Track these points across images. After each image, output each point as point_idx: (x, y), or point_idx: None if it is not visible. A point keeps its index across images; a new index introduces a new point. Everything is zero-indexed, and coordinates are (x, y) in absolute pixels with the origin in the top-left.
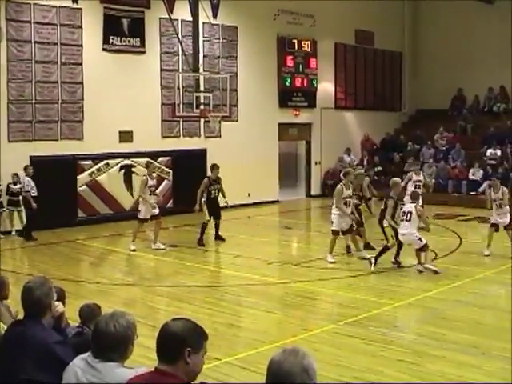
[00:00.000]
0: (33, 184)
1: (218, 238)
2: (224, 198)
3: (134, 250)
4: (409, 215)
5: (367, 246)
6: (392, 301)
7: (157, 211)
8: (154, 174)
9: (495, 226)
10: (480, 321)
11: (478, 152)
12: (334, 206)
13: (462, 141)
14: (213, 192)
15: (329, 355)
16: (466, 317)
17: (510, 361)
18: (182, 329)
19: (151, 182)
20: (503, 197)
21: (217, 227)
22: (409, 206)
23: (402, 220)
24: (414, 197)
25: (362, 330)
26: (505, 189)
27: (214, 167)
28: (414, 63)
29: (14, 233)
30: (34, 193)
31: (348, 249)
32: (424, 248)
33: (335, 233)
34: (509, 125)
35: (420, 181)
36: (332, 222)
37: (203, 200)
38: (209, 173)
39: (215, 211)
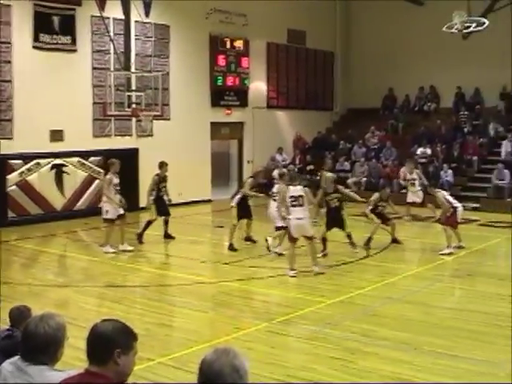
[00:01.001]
0: None
1: (168, 236)
2: (167, 196)
3: (114, 252)
4: (301, 199)
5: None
6: (324, 298)
7: (122, 210)
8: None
9: None
10: (411, 317)
11: (408, 151)
12: (275, 206)
13: (393, 140)
14: (162, 189)
15: (262, 354)
16: (397, 313)
17: (440, 356)
18: (111, 330)
19: (116, 181)
20: (440, 202)
21: (166, 224)
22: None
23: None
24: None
25: (294, 328)
26: (438, 194)
27: (163, 165)
28: (346, 63)
29: None
30: None
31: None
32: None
33: (281, 228)
34: (439, 124)
35: (414, 179)
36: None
37: (152, 198)
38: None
39: (165, 208)
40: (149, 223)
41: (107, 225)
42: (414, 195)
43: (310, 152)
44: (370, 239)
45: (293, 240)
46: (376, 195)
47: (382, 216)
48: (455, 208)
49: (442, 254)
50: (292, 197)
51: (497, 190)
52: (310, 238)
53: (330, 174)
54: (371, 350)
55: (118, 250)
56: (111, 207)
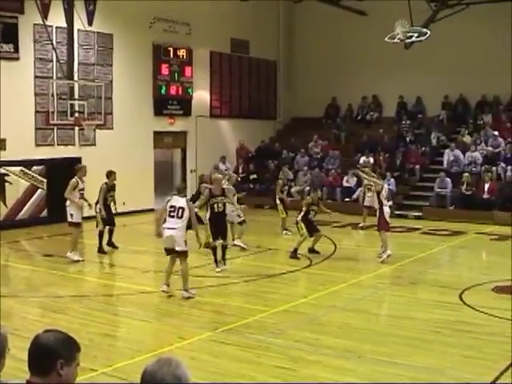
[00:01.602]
0: None
1: (111, 245)
2: (114, 204)
3: (78, 261)
4: (180, 211)
5: None
6: (268, 307)
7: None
8: (84, 178)
9: None
10: (354, 325)
11: (351, 159)
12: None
13: (336, 149)
14: (109, 199)
15: (205, 363)
16: (340, 322)
17: (381, 363)
18: (54, 341)
19: (82, 186)
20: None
21: (111, 234)
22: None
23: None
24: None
25: (238, 337)
26: (380, 182)
27: (112, 174)
28: (289, 72)
29: None
30: None
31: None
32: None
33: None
34: (381, 133)
35: (371, 185)
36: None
37: (99, 207)
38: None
39: (111, 218)
40: (101, 234)
41: (73, 229)
42: (371, 200)
43: (253, 161)
44: (295, 250)
45: (167, 252)
46: (308, 199)
47: (311, 225)
48: (382, 206)
49: (382, 262)
50: (172, 206)
51: (439, 198)
52: (179, 253)
53: (218, 175)
54: (314, 359)
55: (67, 255)
56: (76, 210)
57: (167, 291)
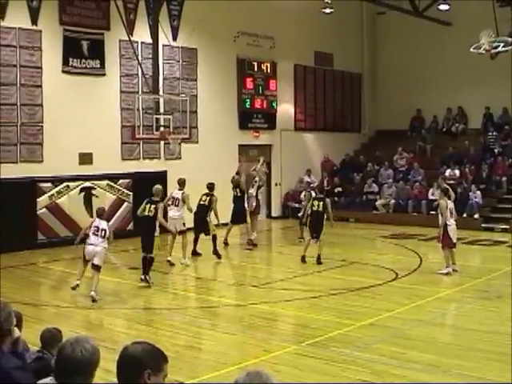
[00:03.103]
0: None
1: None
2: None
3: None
4: (103, 232)
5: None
6: (353, 321)
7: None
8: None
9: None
10: (440, 339)
11: (437, 172)
12: None
13: (421, 161)
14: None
15: (290, 376)
16: (426, 336)
17: (468, 378)
18: (141, 351)
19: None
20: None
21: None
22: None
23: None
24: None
25: (323, 351)
26: (442, 202)
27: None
28: (373, 84)
29: None
30: None
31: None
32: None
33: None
34: (467, 145)
35: None
36: None
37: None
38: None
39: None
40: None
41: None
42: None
43: (338, 174)
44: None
45: (86, 262)
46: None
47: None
48: (447, 225)
49: (440, 273)
50: (96, 227)
51: None
52: (95, 266)
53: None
54: (399, 373)
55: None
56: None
57: (76, 286)
